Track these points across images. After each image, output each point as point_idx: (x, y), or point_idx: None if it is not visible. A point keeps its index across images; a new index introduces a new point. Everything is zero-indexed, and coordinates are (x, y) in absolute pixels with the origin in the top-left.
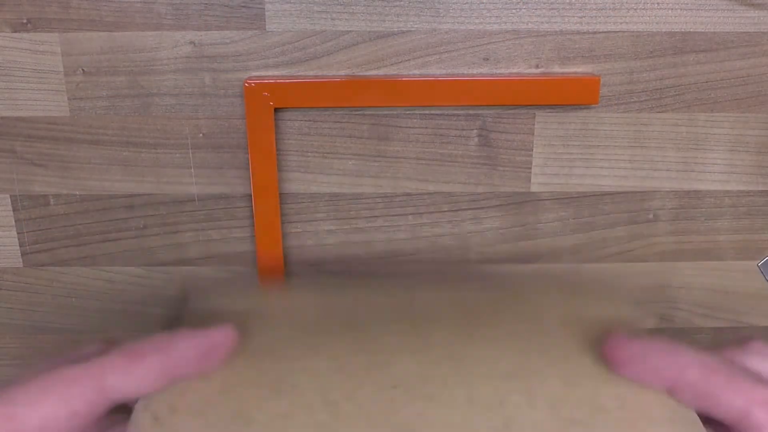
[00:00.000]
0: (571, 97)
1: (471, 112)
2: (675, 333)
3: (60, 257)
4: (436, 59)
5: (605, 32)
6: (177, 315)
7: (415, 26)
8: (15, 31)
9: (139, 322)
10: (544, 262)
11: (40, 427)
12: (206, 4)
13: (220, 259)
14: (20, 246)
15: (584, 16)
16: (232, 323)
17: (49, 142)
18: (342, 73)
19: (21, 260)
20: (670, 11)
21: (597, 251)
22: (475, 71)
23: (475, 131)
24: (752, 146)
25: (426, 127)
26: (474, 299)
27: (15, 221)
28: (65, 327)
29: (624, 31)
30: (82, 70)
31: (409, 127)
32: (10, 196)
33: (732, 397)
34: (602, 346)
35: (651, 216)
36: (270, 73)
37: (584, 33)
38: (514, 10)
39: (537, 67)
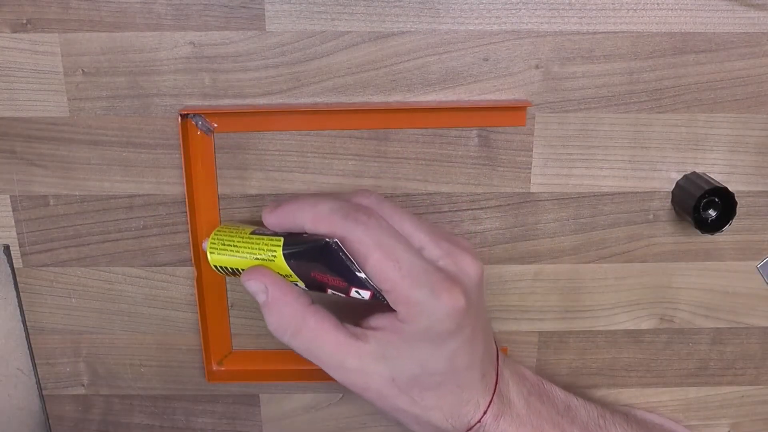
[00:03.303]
0: (503, 120)
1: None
2: (675, 333)
3: (60, 257)
4: (436, 59)
5: (605, 32)
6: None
7: (415, 26)
8: (15, 32)
9: (139, 322)
10: (544, 262)
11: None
12: (206, 4)
13: None
14: (20, 246)
15: (584, 17)
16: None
17: (49, 142)
18: (338, 78)
19: (21, 260)
20: (670, 12)
21: (597, 251)
22: (474, 72)
23: (474, 131)
24: (752, 146)
25: (425, 128)
26: None
27: (15, 221)
28: (65, 327)
29: (624, 32)
30: (82, 70)
31: (409, 128)
32: (10, 197)
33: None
34: None
35: (651, 216)
36: (268, 73)
37: (584, 33)
38: (514, 11)
39: (537, 67)
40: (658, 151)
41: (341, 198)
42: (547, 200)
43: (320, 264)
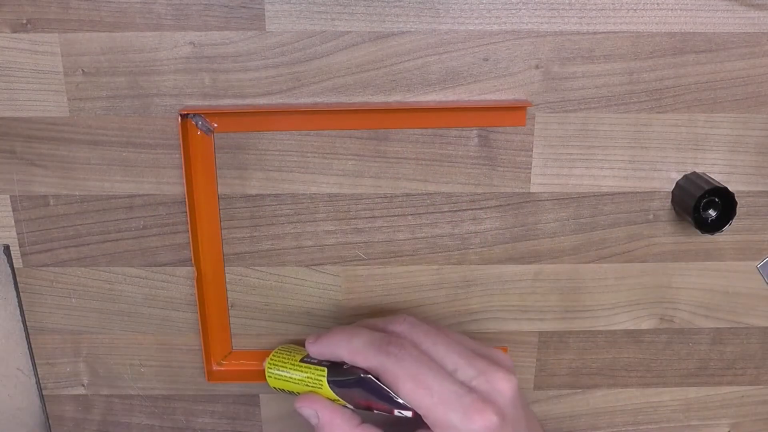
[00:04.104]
0: (503, 120)
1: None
2: (675, 333)
3: (60, 257)
4: (436, 59)
5: (605, 32)
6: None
7: (415, 26)
8: (15, 32)
9: (139, 322)
10: (544, 262)
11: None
12: (206, 4)
13: None
14: (20, 246)
15: (584, 17)
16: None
17: (49, 142)
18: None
19: (21, 260)
20: (670, 11)
21: (597, 251)
22: (474, 72)
23: (474, 131)
24: (752, 146)
25: (425, 128)
26: None
27: (15, 221)
28: (65, 327)
29: (624, 32)
30: (82, 70)
31: (409, 128)
32: (10, 196)
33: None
34: None
35: (651, 216)
36: (268, 74)
37: (584, 33)
38: (514, 11)
39: (537, 67)
40: (658, 151)
41: (377, 325)
42: (547, 200)
43: (362, 391)
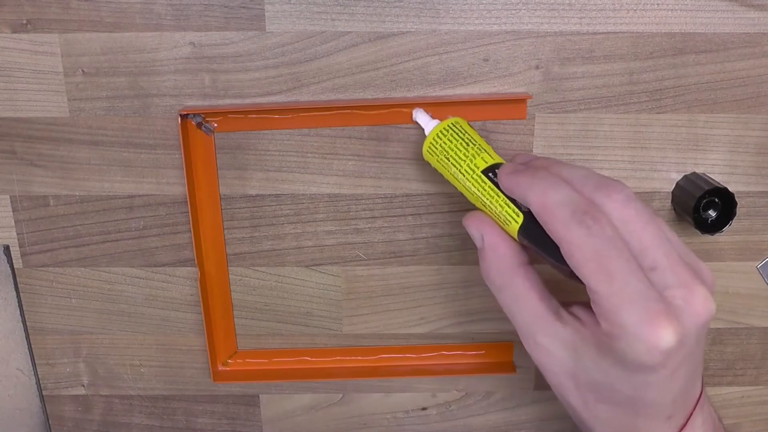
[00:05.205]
0: (503, 113)
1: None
2: None
3: (60, 258)
4: (436, 60)
5: (605, 33)
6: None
7: (415, 27)
8: (15, 32)
9: (139, 322)
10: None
11: None
12: (206, 4)
13: None
14: (20, 246)
15: (584, 17)
16: None
17: (49, 142)
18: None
19: (21, 260)
20: (670, 12)
21: None
22: (474, 72)
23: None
24: (752, 147)
25: None
26: None
27: (15, 221)
28: (65, 327)
29: (624, 32)
30: (82, 70)
31: (409, 128)
32: (10, 197)
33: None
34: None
35: None
36: (267, 74)
37: (584, 33)
38: (514, 11)
39: (537, 67)
40: (658, 151)
41: (587, 184)
42: None
43: (550, 259)
